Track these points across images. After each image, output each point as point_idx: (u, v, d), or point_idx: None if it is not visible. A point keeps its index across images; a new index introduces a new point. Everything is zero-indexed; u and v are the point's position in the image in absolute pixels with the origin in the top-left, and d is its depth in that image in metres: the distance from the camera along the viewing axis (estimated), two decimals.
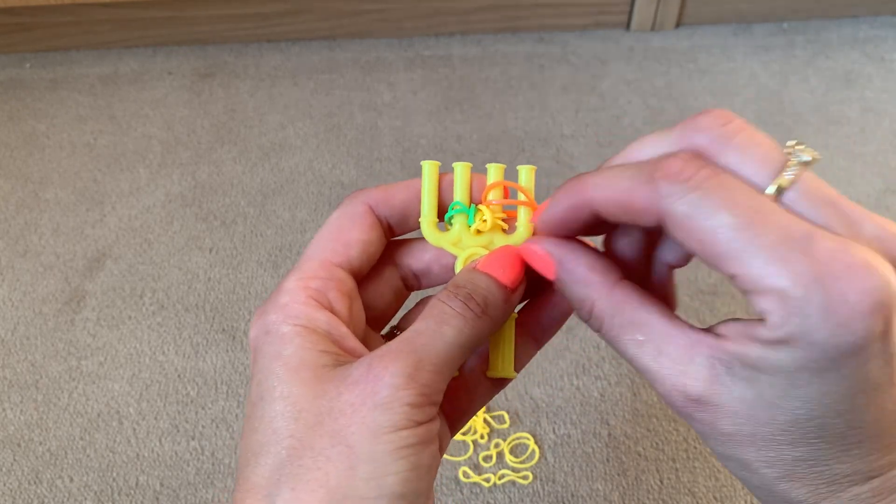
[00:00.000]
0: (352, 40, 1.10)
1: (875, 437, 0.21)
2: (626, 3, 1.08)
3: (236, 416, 0.66)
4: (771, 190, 0.20)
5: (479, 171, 0.28)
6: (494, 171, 0.27)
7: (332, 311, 0.25)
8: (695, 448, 0.63)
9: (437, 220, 0.28)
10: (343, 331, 0.25)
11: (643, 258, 0.26)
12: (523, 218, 0.27)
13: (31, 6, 1.03)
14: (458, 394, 0.28)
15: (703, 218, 0.20)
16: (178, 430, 0.65)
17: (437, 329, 0.23)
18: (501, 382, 0.29)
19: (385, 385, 0.22)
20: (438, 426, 0.23)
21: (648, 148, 0.23)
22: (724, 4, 1.09)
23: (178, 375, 0.69)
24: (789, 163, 0.20)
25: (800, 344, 0.19)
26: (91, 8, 1.04)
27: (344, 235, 0.26)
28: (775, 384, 0.20)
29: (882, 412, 0.20)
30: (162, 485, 0.62)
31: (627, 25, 1.11)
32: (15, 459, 0.63)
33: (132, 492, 0.61)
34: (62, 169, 0.91)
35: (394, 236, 0.28)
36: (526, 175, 0.27)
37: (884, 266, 0.19)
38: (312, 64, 1.06)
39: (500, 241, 0.27)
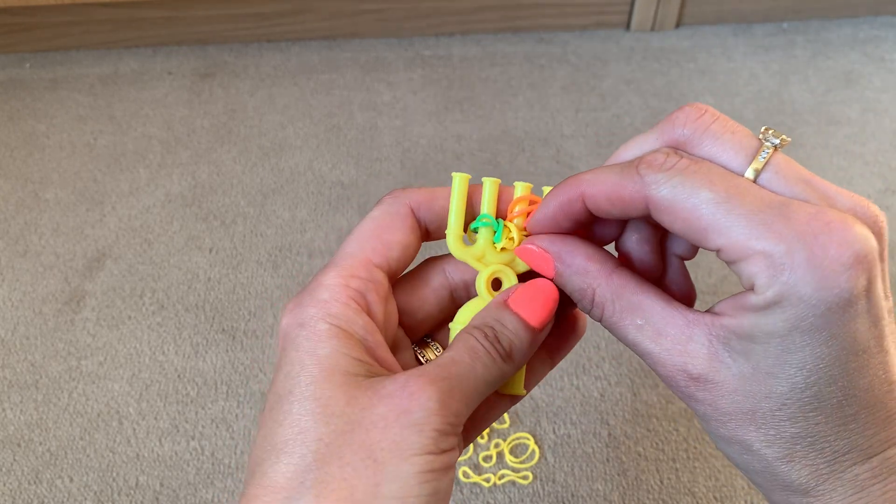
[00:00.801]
0: (352, 40, 1.10)
1: (869, 409, 0.21)
2: (626, 3, 1.08)
3: (236, 416, 0.66)
4: (748, 173, 0.22)
5: (484, 172, 0.28)
6: (521, 189, 0.28)
7: (370, 314, 0.25)
8: (695, 448, 0.63)
9: (463, 233, 0.28)
10: (377, 339, 0.24)
11: (657, 257, 0.27)
12: None
13: (31, 6, 1.03)
14: (476, 411, 0.28)
15: (684, 198, 0.21)
16: (178, 430, 0.65)
17: (470, 363, 0.24)
18: (514, 398, 0.29)
19: (420, 406, 0.22)
20: (457, 456, 0.23)
21: (634, 149, 0.24)
22: (724, 4, 1.09)
23: (178, 375, 0.69)
24: (762, 147, 0.22)
25: (788, 302, 0.20)
26: (91, 8, 1.04)
27: (386, 235, 0.26)
28: (770, 352, 0.21)
29: (874, 380, 0.21)
30: (162, 485, 0.62)
31: (627, 25, 1.11)
32: (15, 459, 0.63)
33: (132, 492, 0.61)
34: (62, 169, 0.91)
35: (429, 240, 0.28)
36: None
37: (860, 224, 0.20)
38: (312, 64, 1.06)
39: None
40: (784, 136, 0.22)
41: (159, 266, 0.79)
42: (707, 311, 0.23)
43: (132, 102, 1.01)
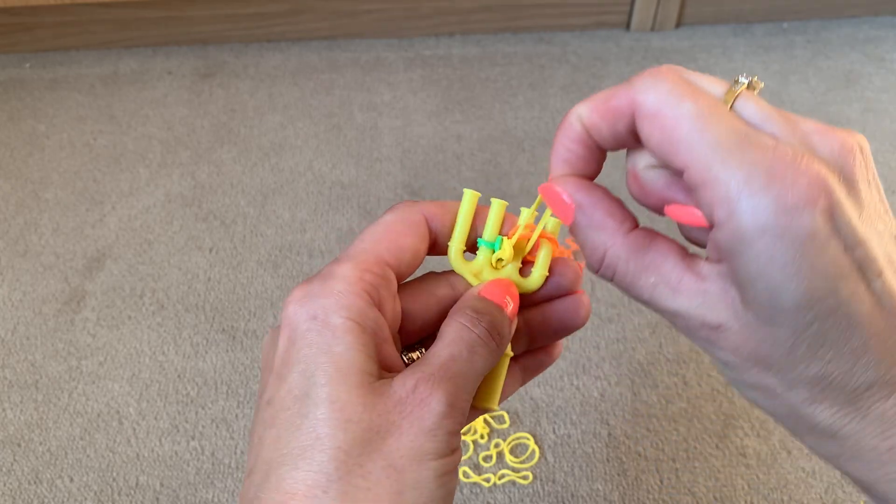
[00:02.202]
0: (352, 40, 1.10)
1: (879, 337, 0.21)
2: (626, 3, 1.08)
3: (236, 416, 0.66)
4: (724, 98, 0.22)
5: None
6: (526, 215, 0.29)
7: (381, 309, 0.25)
8: (695, 448, 0.63)
9: (465, 249, 0.28)
10: (386, 334, 0.24)
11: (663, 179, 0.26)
12: (542, 261, 0.29)
13: (31, 6, 1.03)
14: None
15: (669, 105, 0.21)
16: (178, 430, 0.65)
17: (469, 358, 0.24)
18: (483, 411, 0.29)
19: (431, 411, 0.22)
20: (462, 453, 0.24)
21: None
22: (724, 4, 1.09)
23: (178, 375, 0.69)
24: (734, 84, 0.22)
25: (750, 232, 0.20)
26: (91, 8, 1.04)
27: (400, 239, 0.26)
28: (760, 295, 0.21)
29: (874, 307, 0.21)
30: (162, 485, 0.62)
31: (627, 25, 1.11)
32: (15, 459, 0.63)
33: (132, 492, 0.61)
34: (62, 169, 0.91)
35: (435, 253, 0.29)
36: (553, 223, 0.29)
37: (817, 160, 0.20)
38: (312, 64, 1.06)
39: (517, 280, 0.29)
40: (755, 78, 0.23)
41: (159, 266, 0.79)
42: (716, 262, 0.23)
43: (132, 102, 1.01)
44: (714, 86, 0.22)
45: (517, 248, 0.29)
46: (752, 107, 0.22)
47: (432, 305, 0.28)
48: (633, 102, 0.22)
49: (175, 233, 0.82)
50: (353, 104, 0.99)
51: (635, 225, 0.24)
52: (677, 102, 0.21)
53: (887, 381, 0.21)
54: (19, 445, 0.64)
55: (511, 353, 0.29)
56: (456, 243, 0.28)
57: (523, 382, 0.30)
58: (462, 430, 0.23)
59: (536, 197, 0.28)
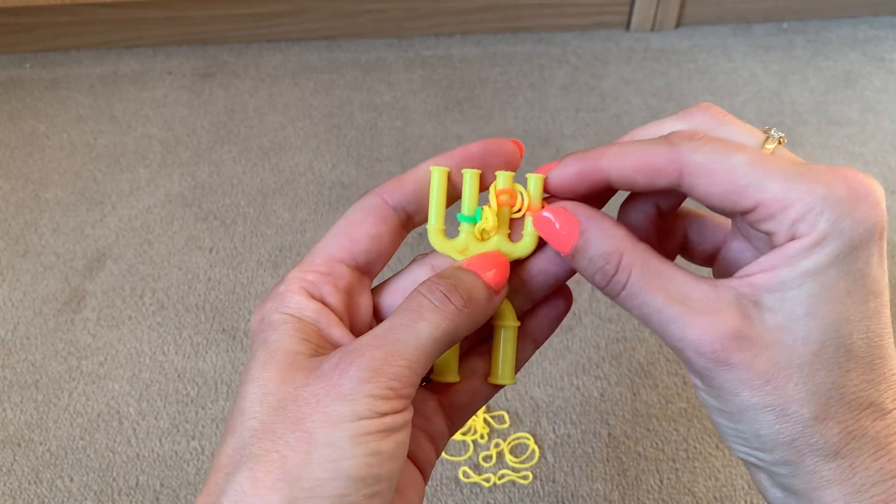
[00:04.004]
0: (352, 40, 1.10)
1: (883, 360, 0.23)
2: (626, 4, 1.08)
3: None
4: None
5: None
6: (503, 178, 0.27)
7: (323, 302, 0.26)
8: (695, 448, 0.63)
9: (444, 227, 0.28)
10: (331, 319, 0.25)
11: (656, 238, 0.28)
12: (530, 226, 0.27)
13: (31, 6, 1.03)
14: (461, 395, 0.29)
15: (720, 161, 0.23)
16: (178, 430, 0.65)
17: (411, 324, 0.24)
18: (499, 385, 0.29)
19: (349, 378, 0.22)
20: (408, 416, 0.23)
21: (652, 129, 0.26)
22: (724, 4, 1.09)
23: (178, 375, 0.69)
24: (769, 137, 0.25)
25: (831, 238, 0.22)
26: (91, 8, 1.04)
27: (353, 230, 0.27)
28: (805, 293, 0.22)
29: (884, 328, 0.23)
30: (162, 485, 0.62)
31: (627, 26, 1.11)
32: (15, 459, 0.63)
33: (132, 492, 0.61)
34: (62, 169, 0.91)
35: (414, 227, 0.28)
36: (535, 183, 0.27)
37: (879, 188, 0.23)
38: (312, 64, 1.06)
39: (506, 249, 0.27)
40: (783, 136, 0.25)
41: (159, 266, 0.79)
42: (725, 278, 0.24)
43: (132, 102, 1.01)
44: (746, 139, 0.25)
45: (501, 215, 0.27)
46: (785, 155, 0.24)
47: (411, 290, 0.28)
48: (681, 164, 0.24)
49: (175, 233, 0.82)
50: (353, 104, 0.99)
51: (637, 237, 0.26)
52: (728, 156, 0.23)
53: (882, 402, 0.23)
54: (19, 445, 0.64)
55: (517, 324, 0.28)
56: (433, 224, 0.27)
57: (538, 344, 0.30)
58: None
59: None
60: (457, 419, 0.29)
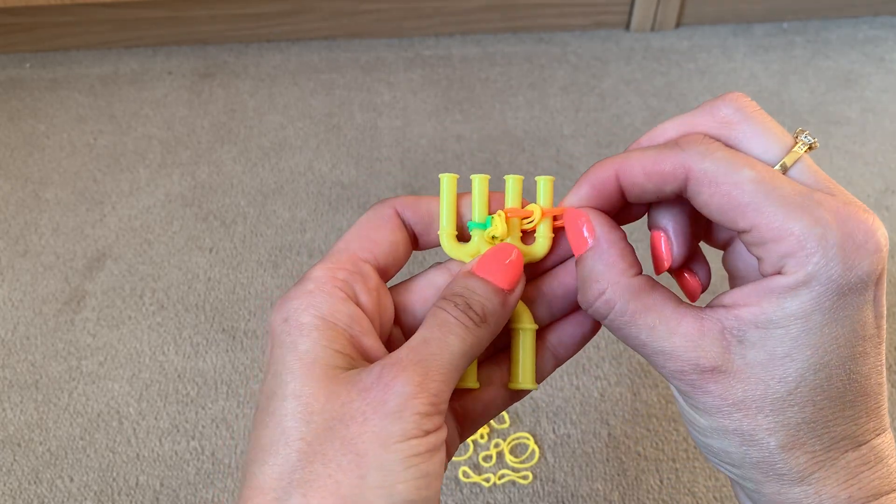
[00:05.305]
0: (352, 40, 1.10)
1: (865, 397, 0.23)
2: (626, 4, 1.08)
3: (236, 416, 0.66)
4: (777, 167, 0.23)
5: (484, 172, 0.28)
6: (513, 183, 0.28)
7: (358, 303, 0.25)
8: (695, 448, 0.63)
9: (456, 232, 0.28)
10: (364, 326, 0.25)
11: (682, 239, 0.27)
12: (542, 229, 0.27)
13: (31, 6, 1.03)
14: (475, 403, 0.28)
15: (727, 172, 0.23)
16: (178, 430, 0.65)
17: (442, 338, 0.24)
18: (520, 394, 0.29)
19: (395, 394, 0.22)
20: (446, 433, 0.23)
21: (675, 123, 0.25)
22: (724, 4, 1.09)
23: (178, 375, 0.69)
24: (797, 143, 0.23)
25: (817, 282, 0.21)
26: (91, 8, 1.04)
27: (372, 234, 0.27)
28: (789, 335, 0.22)
29: (871, 369, 0.23)
30: (162, 485, 0.62)
31: (627, 26, 1.11)
32: (15, 459, 0.63)
33: (132, 492, 0.61)
34: (62, 169, 0.91)
35: (418, 248, 0.28)
36: (544, 186, 0.28)
37: (879, 220, 0.23)
38: (312, 64, 1.06)
39: (521, 250, 0.27)
40: (815, 140, 0.24)
41: (159, 266, 0.79)
42: (717, 305, 0.24)
43: (132, 102, 1.00)
44: (771, 143, 0.23)
45: (511, 222, 0.27)
46: (805, 170, 0.23)
47: (430, 297, 0.28)
48: (688, 169, 0.23)
49: (175, 233, 0.82)
50: (353, 104, 0.99)
51: (640, 272, 0.25)
52: (736, 169, 0.22)
53: (858, 435, 0.23)
54: (19, 445, 0.64)
55: (534, 326, 0.28)
56: (445, 229, 0.27)
57: (559, 360, 0.29)
58: (445, 409, 0.23)
59: (536, 192, 0.28)
60: (468, 427, 0.28)
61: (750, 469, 0.24)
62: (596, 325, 0.29)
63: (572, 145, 0.92)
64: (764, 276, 0.23)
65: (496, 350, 0.29)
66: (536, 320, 0.28)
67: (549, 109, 0.97)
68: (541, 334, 0.29)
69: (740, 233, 0.23)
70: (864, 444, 0.23)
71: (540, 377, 0.29)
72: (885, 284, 0.23)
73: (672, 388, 0.26)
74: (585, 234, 0.25)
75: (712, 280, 0.29)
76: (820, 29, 1.10)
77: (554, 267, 0.29)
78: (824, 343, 0.22)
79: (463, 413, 0.28)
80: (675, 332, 0.24)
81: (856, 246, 0.21)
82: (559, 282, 0.28)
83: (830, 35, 1.09)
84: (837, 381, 0.22)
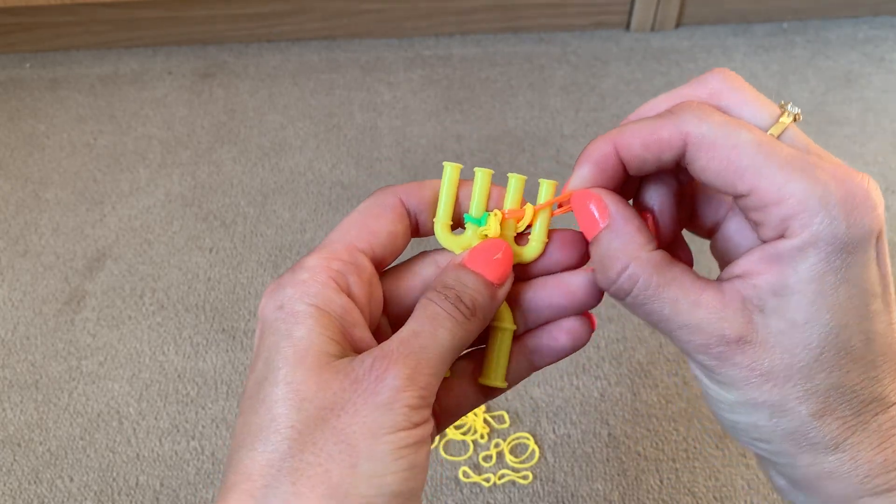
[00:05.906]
0: (352, 40, 1.10)
1: (885, 356, 0.23)
2: (626, 4, 1.08)
3: (236, 415, 0.66)
4: (772, 130, 0.24)
5: (487, 167, 0.28)
6: (515, 182, 0.27)
7: (350, 295, 0.25)
8: (695, 448, 0.63)
9: (451, 222, 0.28)
10: (356, 317, 0.25)
11: (673, 220, 0.27)
12: (538, 231, 0.27)
13: (31, 6, 1.03)
14: (447, 395, 0.28)
15: (725, 136, 0.23)
16: (178, 430, 0.65)
17: (432, 331, 0.24)
18: (491, 392, 0.29)
19: (386, 386, 0.22)
20: (433, 426, 0.23)
21: (665, 100, 0.25)
22: (724, 4, 1.09)
23: (178, 375, 0.69)
24: (785, 112, 0.24)
25: (824, 241, 0.22)
26: (91, 8, 1.04)
27: (371, 223, 0.26)
28: (805, 300, 0.22)
29: (886, 327, 0.23)
30: (162, 485, 0.62)
31: (627, 26, 1.11)
32: (15, 459, 0.63)
33: (132, 492, 0.61)
34: (62, 169, 0.91)
35: (419, 235, 0.28)
36: (546, 190, 0.27)
37: (872, 179, 0.23)
38: (312, 64, 1.06)
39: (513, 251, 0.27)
40: (799, 112, 0.24)
41: (159, 266, 0.79)
42: (733, 276, 0.24)
43: (132, 102, 1.01)
44: (759, 111, 0.24)
45: (505, 225, 0.27)
46: (795, 137, 0.24)
47: (417, 286, 0.28)
48: (685, 135, 0.23)
49: (175, 233, 0.82)
50: (353, 104, 0.99)
51: (658, 246, 0.25)
52: (734, 133, 0.23)
53: (885, 397, 0.23)
54: (19, 445, 0.64)
55: (513, 327, 0.28)
56: (441, 218, 0.27)
57: (534, 367, 0.29)
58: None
59: (537, 194, 0.28)
60: (444, 420, 0.28)
61: (781, 442, 0.24)
62: (576, 342, 0.28)
63: (572, 145, 0.92)
64: (765, 241, 0.23)
65: (472, 345, 0.29)
66: (518, 324, 0.28)
67: (549, 109, 0.97)
68: (519, 338, 0.29)
69: (738, 198, 0.23)
70: (893, 405, 0.23)
71: (515, 380, 0.29)
72: (887, 244, 0.23)
73: (693, 366, 0.25)
74: (596, 214, 0.25)
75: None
76: (820, 29, 1.10)
77: (538, 276, 0.28)
78: (840, 304, 0.22)
79: (438, 406, 0.28)
80: (698, 304, 0.24)
81: (856, 204, 0.22)
82: (536, 291, 0.28)
83: (830, 35, 1.09)
84: (858, 342, 0.22)
